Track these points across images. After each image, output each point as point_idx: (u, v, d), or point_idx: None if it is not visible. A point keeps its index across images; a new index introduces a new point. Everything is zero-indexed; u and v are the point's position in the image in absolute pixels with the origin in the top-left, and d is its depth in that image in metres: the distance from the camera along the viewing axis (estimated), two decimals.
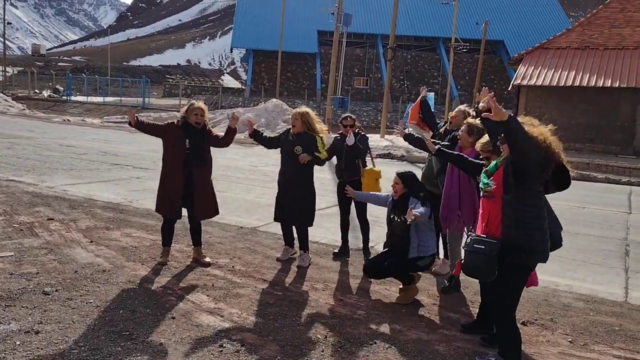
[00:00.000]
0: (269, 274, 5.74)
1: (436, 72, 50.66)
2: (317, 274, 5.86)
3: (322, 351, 4.06)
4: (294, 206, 5.98)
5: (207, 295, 5.02)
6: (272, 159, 15.79)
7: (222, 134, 6.01)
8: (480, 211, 3.88)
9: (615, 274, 6.38)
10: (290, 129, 6.10)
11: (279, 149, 6.15)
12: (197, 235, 6.00)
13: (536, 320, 4.88)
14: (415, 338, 4.41)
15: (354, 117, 6.60)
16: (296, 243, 6.27)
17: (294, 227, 6.21)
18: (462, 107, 6.00)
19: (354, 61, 49.88)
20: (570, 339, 4.52)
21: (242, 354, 3.93)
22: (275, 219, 6.25)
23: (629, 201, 12.14)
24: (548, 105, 21.94)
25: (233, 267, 5.88)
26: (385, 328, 4.56)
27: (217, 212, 6.04)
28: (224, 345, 4.04)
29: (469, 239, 3.84)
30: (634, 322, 4.98)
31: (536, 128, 3.60)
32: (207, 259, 5.94)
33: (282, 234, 6.33)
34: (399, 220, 5.12)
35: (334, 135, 6.75)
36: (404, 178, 5.20)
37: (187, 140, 5.65)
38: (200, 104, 5.78)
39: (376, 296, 5.32)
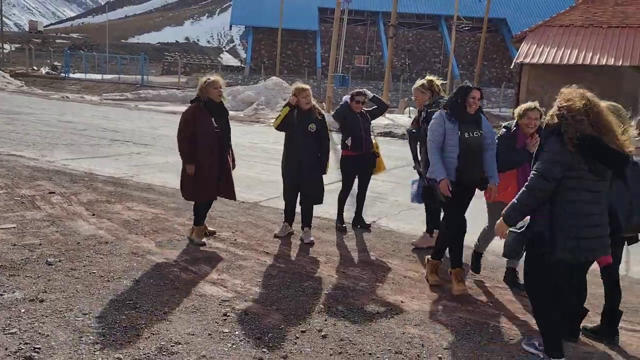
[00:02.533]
0: (271, 247, 5.75)
1: (438, 51, 50.23)
2: (319, 247, 5.87)
3: (325, 320, 4.09)
4: (312, 185, 5.93)
5: (210, 267, 5.03)
6: (272, 136, 15.74)
7: None
8: None
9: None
10: (290, 106, 5.84)
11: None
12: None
13: None
14: (417, 308, 4.43)
15: (367, 93, 6.55)
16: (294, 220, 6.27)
17: (298, 205, 6.17)
18: (418, 82, 5.83)
19: (354, 39, 49.41)
20: None
21: (245, 322, 3.95)
22: (290, 198, 6.12)
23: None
24: (551, 83, 21.77)
25: (235, 240, 5.89)
26: (387, 299, 4.59)
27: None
28: (228, 314, 4.06)
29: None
30: (634, 295, 5.01)
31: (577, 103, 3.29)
32: (204, 240, 5.70)
33: (284, 211, 6.26)
34: (475, 135, 4.69)
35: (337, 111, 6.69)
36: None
37: (213, 120, 5.48)
38: (218, 77, 5.56)
39: (379, 269, 5.33)
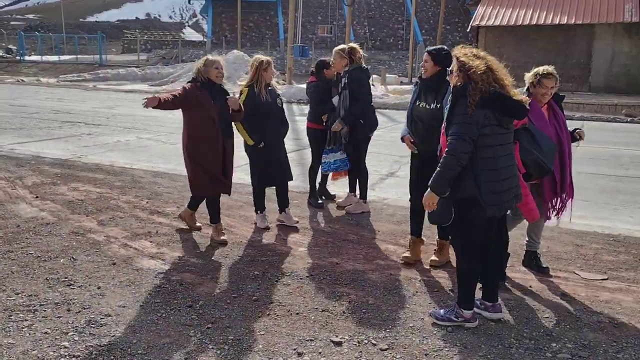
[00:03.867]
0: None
1: (400, 17, 50.03)
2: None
3: (259, 285, 4.21)
4: (285, 165, 5.63)
5: (150, 242, 5.10)
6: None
7: None
8: None
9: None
10: (254, 86, 5.39)
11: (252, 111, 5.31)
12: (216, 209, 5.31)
13: None
14: (350, 269, 4.59)
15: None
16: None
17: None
18: (340, 46, 5.88)
19: (316, 8, 48.89)
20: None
21: (179, 292, 4.05)
22: (273, 184, 5.69)
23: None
24: (506, 45, 22.04)
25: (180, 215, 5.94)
26: (323, 261, 4.73)
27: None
28: (163, 285, 4.15)
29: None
30: (561, 243, 5.25)
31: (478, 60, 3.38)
32: (224, 237, 5.18)
33: (257, 201, 5.70)
34: (429, 107, 4.47)
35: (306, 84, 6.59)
36: (434, 53, 4.44)
37: (213, 102, 4.91)
38: (219, 57, 5.02)
39: (318, 234, 5.47)
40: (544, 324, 3.64)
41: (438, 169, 3.40)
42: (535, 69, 4.31)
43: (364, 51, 6.24)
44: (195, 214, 5.53)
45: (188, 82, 5.04)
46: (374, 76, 25.02)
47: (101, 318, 3.61)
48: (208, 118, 4.89)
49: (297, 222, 5.69)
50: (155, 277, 4.31)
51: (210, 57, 5.01)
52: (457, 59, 3.43)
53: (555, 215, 4.48)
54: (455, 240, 3.73)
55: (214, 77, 4.93)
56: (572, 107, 17.48)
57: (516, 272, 4.51)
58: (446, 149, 3.38)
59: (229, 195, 5.43)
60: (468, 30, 25.60)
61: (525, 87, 4.32)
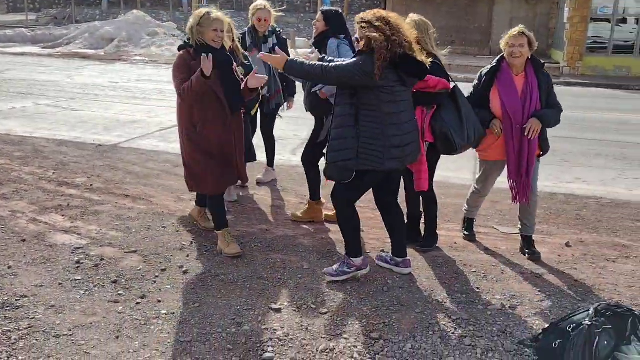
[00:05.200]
0: (131, 189, 5.51)
1: None
2: (184, 185, 5.71)
3: (187, 256, 4.04)
4: None
5: (62, 216, 4.73)
6: (135, 74, 14.88)
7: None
8: None
9: (466, 161, 6.88)
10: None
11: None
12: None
13: None
14: (281, 234, 4.52)
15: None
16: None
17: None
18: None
19: None
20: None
21: (100, 267, 3.79)
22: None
23: None
24: (413, 8, 22.27)
25: (91, 185, 5.56)
26: (252, 229, 4.62)
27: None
28: (82, 261, 3.87)
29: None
30: (488, 202, 5.45)
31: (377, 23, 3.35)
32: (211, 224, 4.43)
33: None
34: None
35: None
36: (327, 13, 4.49)
37: (216, 72, 3.79)
38: (220, 14, 3.91)
39: (245, 201, 5.33)
40: (473, 279, 3.79)
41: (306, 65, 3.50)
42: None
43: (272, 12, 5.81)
44: (66, 170, 5.19)
45: (179, 47, 3.97)
46: (297, 38, 24.68)
47: (16, 300, 3.31)
48: (211, 93, 3.83)
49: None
50: (72, 252, 4.01)
51: (207, 11, 3.83)
52: (361, 27, 3.38)
53: (514, 198, 4.13)
54: (342, 192, 3.60)
55: (210, 40, 3.85)
56: (476, 71, 18.21)
57: (440, 229, 4.63)
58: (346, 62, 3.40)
59: (245, 184, 5.25)
60: None
61: (500, 56, 4.09)
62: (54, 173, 5.89)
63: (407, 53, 3.34)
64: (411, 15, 4.06)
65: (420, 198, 4.26)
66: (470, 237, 4.54)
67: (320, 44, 4.48)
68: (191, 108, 3.89)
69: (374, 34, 3.29)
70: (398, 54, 3.29)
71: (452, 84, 3.91)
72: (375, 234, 4.57)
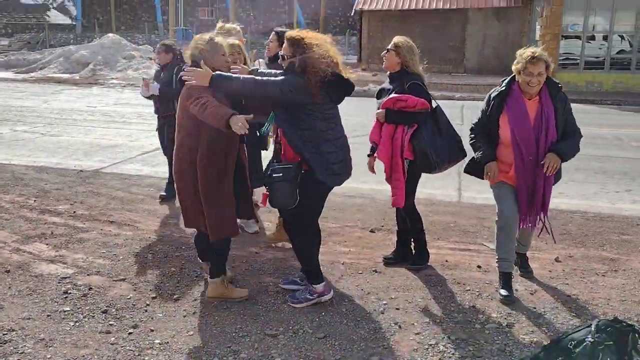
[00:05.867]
0: (116, 215, 5.41)
1: (282, 1, 49.94)
2: (171, 209, 5.65)
3: (178, 283, 3.96)
4: None
5: (47, 244, 4.62)
6: (113, 98, 14.75)
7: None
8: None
9: (450, 178, 6.94)
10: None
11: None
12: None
13: (382, 226, 5.19)
14: (271, 257, 4.47)
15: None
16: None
17: None
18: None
19: None
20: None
21: (89, 297, 3.70)
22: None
23: (461, 113, 13.21)
24: (389, 29, 22.70)
25: (74, 212, 5.45)
26: (242, 252, 4.55)
27: None
28: (69, 291, 3.77)
29: (268, 170, 3.49)
30: (465, 217, 5.50)
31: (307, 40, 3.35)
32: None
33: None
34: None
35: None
36: (281, 34, 4.22)
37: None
38: (220, 39, 3.60)
39: None
40: (468, 297, 3.78)
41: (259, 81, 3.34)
42: (521, 52, 3.58)
43: (247, 35, 5.78)
44: (48, 197, 5.08)
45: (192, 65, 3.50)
46: (260, 60, 24.78)
47: (4, 334, 3.20)
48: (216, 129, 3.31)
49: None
50: (59, 282, 3.91)
51: (213, 37, 3.56)
52: (292, 46, 3.37)
53: (529, 226, 3.77)
54: (296, 217, 3.53)
55: (221, 67, 3.49)
56: (451, 88, 18.49)
57: (430, 247, 4.62)
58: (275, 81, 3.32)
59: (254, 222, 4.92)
60: (352, 14, 26.10)
61: (510, 77, 3.71)
62: (35, 201, 5.77)
63: (336, 72, 3.37)
64: (396, 37, 4.11)
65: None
66: (508, 299, 3.67)
67: (274, 64, 4.49)
68: (220, 134, 3.33)
69: (309, 54, 3.29)
70: (328, 73, 3.30)
71: (434, 104, 3.97)
72: (365, 254, 4.55)
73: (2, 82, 19.02)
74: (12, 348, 3.07)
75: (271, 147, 4.04)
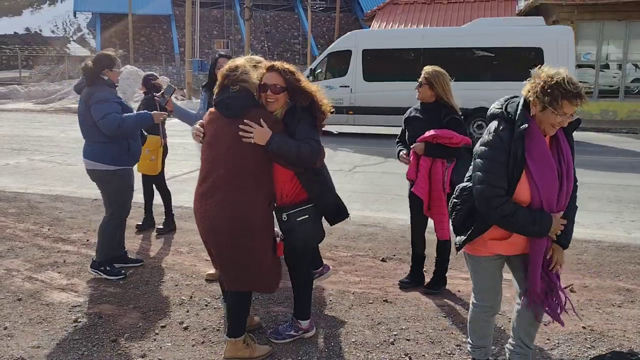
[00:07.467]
0: (129, 244, 5.42)
1: (296, 32, 50.71)
2: (181, 237, 5.68)
3: (187, 312, 3.95)
4: None
5: (59, 273, 4.65)
6: None
7: None
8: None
9: None
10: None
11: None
12: None
13: (394, 255, 5.15)
14: (281, 286, 4.43)
15: None
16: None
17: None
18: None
19: (212, 23, 48.31)
20: (425, 269, 4.81)
21: (99, 325, 3.70)
22: None
23: None
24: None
25: (88, 240, 5.50)
26: None
27: None
28: (79, 320, 3.78)
29: (284, 216, 3.24)
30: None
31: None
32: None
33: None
34: None
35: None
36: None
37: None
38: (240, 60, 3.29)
39: None
40: None
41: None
42: (545, 74, 2.53)
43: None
44: (62, 225, 5.09)
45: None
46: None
47: None
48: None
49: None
50: (70, 311, 3.92)
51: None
52: (290, 79, 3.16)
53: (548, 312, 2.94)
54: (301, 255, 3.44)
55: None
56: None
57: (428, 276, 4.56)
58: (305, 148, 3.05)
59: None
60: None
61: (517, 102, 2.67)
62: (49, 229, 5.83)
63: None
64: (426, 68, 4.09)
65: (424, 240, 4.37)
66: None
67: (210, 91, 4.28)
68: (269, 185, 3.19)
69: (307, 90, 3.18)
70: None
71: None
72: (377, 284, 4.51)
73: (21, 112, 19.45)
74: None
75: None
